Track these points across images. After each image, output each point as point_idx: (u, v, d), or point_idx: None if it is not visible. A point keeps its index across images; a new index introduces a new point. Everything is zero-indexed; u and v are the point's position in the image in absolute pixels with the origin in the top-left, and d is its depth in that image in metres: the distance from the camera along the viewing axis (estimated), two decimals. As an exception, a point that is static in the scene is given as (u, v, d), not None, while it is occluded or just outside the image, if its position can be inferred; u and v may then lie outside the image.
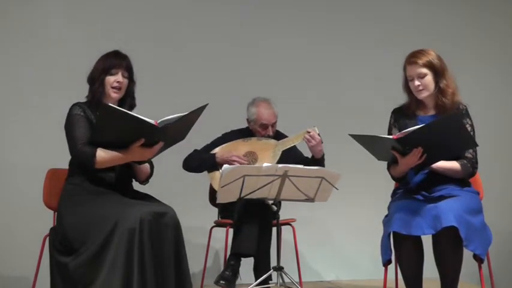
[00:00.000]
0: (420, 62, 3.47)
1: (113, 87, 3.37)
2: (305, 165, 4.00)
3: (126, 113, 3.11)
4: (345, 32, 5.55)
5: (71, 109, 3.35)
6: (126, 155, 3.21)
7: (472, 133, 3.44)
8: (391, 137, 3.32)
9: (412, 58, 3.50)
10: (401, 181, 3.60)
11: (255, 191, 3.61)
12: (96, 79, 3.37)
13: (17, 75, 4.81)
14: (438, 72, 3.48)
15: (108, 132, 3.16)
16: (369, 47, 5.54)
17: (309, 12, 5.51)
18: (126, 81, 3.41)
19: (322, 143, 4.13)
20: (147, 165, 3.43)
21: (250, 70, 5.26)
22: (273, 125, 4.36)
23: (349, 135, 3.38)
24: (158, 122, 3.12)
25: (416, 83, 3.48)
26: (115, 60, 3.39)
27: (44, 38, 4.88)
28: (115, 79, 3.37)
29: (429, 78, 3.48)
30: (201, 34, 5.24)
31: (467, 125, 3.47)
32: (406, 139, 3.25)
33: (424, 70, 3.47)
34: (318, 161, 4.15)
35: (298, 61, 5.43)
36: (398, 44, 5.24)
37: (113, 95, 3.38)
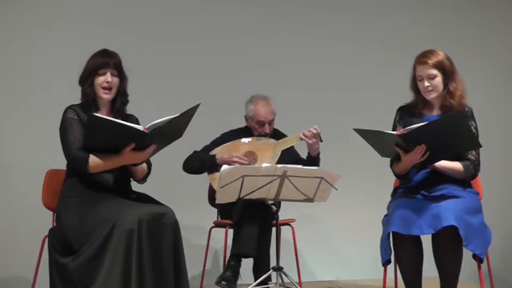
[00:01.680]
0: (431, 62, 3.45)
1: (103, 88, 3.35)
2: (303, 164, 4.01)
3: (113, 121, 3.11)
4: (347, 31, 5.54)
5: (64, 112, 3.34)
6: (119, 160, 3.22)
7: (476, 135, 3.43)
8: (394, 132, 3.32)
9: (423, 58, 3.49)
10: (403, 178, 3.58)
11: (254, 191, 3.60)
12: (85, 81, 3.36)
13: (16, 76, 4.81)
14: (448, 74, 3.47)
15: (97, 140, 3.17)
16: (370, 47, 5.53)
17: (310, 11, 5.50)
18: (116, 79, 3.38)
19: (322, 141, 4.12)
20: (144, 164, 3.42)
21: (250, 69, 5.25)
22: (270, 122, 4.34)
23: (354, 129, 3.38)
24: (147, 127, 3.12)
25: (426, 83, 3.47)
26: (103, 60, 3.36)
27: (42, 38, 4.87)
28: (104, 79, 3.34)
29: (439, 80, 3.47)
30: (201, 33, 5.23)
31: (472, 128, 3.45)
32: (410, 135, 3.25)
33: (434, 71, 3.46)
34: (313, 159, 4.14)
35: (299, 61, 5.42)
36: (399, 44, 5.27)
37: (104, 96, 3.36)
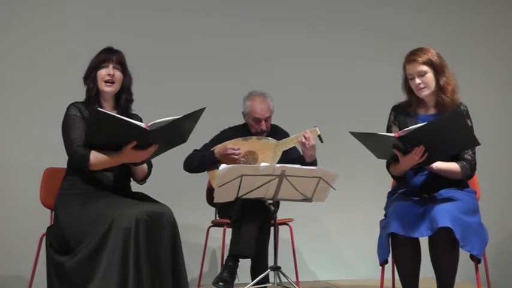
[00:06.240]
0: (420, 59, 3.45)
1: (105, 81, 3.35)
2: (302, 163, 4.01)
3: (115, 116, 3.11)
4: (346, 31, 5.54)
5: (67, 109, 3.34)
6: (120, 157, 3.21)
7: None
8: (392, 134, 3.30)
9: (412, 56, 3.49)
10: (401, 180, 3.57)
11: (252, 190, 3.60)
12: (88, 76, 3.37)
13: (15, 75, 4.81)
14: (438, 69, 3.46)
15: (99, 136, 3.16)
16: (370, 46, 5.53)
17: (310, 11, 5.50)
18: (118, 73, 3.38)
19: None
20: (144, 165, 3.42)
21: (250, 68, 5.25)
22: (267, 119, 4.31)
23: (350, 132, 3.36)
24: (149, 125, 3.12)
25: (417, 81, 3.46)
26: (105, 55, 3.38)
27: (42, 38, 4.87)
28: (106, 72, 3.35)
29: (430, 76, 3.46)
30: (201, 32, 5.22)
31: None
32: (409, 137, 3.22)
33: (424, 68, 3.45)
34: (308, 165, 4.12)
35: (299, 60, 5.41)
36: (399, 44, 5.23)
37: (106, 89, 3.36)
